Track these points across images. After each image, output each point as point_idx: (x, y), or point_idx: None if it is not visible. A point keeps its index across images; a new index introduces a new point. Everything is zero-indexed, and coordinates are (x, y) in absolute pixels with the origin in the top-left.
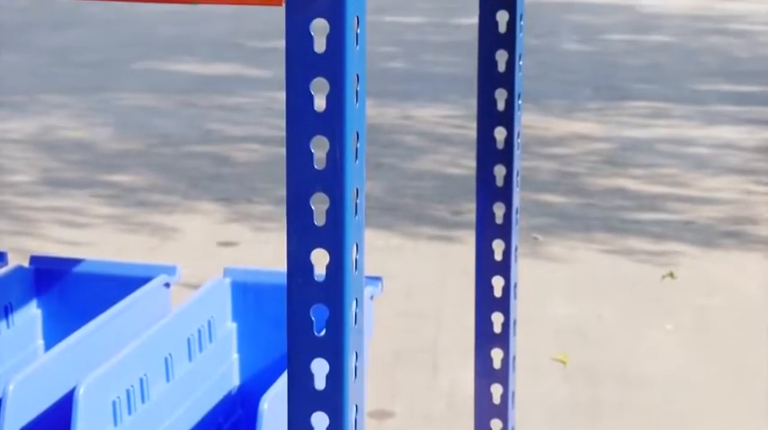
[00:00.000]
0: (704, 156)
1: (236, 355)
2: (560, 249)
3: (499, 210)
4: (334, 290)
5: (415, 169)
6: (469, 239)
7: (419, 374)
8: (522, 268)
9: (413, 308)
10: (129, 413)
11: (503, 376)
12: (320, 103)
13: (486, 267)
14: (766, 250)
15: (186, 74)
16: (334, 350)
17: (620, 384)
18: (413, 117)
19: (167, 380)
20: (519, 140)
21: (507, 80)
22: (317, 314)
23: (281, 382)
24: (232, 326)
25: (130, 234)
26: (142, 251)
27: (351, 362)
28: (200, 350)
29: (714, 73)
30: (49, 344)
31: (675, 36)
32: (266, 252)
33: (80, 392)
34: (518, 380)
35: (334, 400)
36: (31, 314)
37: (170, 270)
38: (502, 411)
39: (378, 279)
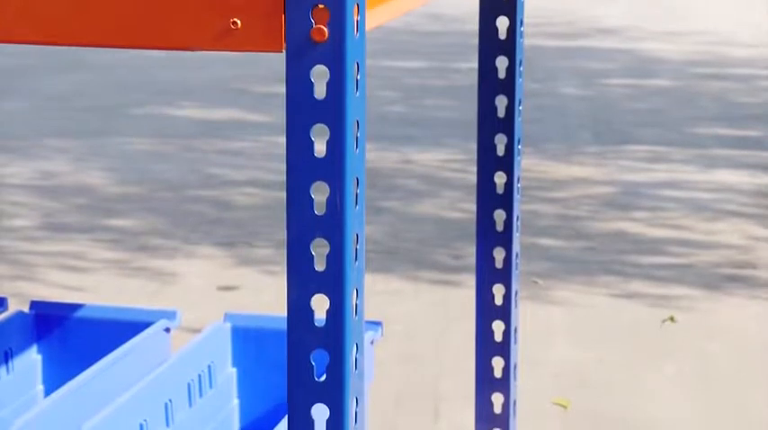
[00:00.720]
0: (705, 200)
1: (236, 401)
2: (561, 293)
3: (499, 254)
4: (334, 335)
5: (415, 213)
6: (470, 283)
7: (420, 419)
8: (523, 312)
9: (413, 352)
10: None
11: (503, 421)
12: (320, 149)
13: (487, 312)
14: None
15: (187, 118)
16: (335, 395)
17: (621, 429)
18: (413, 161)
19: (167, 425)
20: (519, 185)
21: (507, 125)
22: (318, 359)
23: (282, 428)
24: (232, 372)
25: (131, 278)
26: (142, 296)
27: (351, 407)
28: (201, 395)
29: (714, 117)
30: (49, 390)
31: (675, 80)
32: (267, 296)
33: None
34: (519, 424)
35: None
36: (32, 359)
37: (170, 315)
38: None
39: (378, 324)
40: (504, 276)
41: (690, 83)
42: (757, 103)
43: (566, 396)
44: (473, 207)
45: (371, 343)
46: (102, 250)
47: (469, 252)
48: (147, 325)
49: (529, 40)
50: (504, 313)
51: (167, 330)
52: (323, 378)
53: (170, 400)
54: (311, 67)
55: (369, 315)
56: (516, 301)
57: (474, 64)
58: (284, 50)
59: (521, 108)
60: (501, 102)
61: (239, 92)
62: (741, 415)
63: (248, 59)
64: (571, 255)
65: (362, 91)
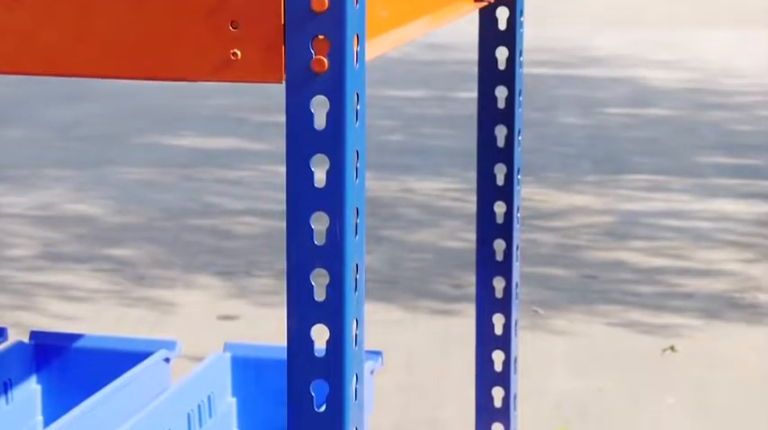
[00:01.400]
0: (704, 229)
1: None
2: (561, 322)
3: (499, 283)
4: (334, 365)
5: (415, 242)
6: (470, 312)
7: None
8: (523, 341)
9: (413, 381)
10: None
11: None
12: (320, 179)
13: (487, 341)
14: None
15: (187, 147)
16: (335, 426)
17: None
18: (413, 190)
19: None
20: (518, 215)
21: (506, 155)
22: (318, 389)
23: None
24: (232, 402)
25: (130, 308)
26: (142, 325)
27: None
28: (201, 425)
29: (713, 146)
30: (48, 420)
31: (674, 110)
32: (267, 326)
33: None
34: None
35: None
36: (31, 389)
37: (170, 345)
38: None
39: (378, 353)
40: (504, 306)
41: (688, 112)
42: (756, 131)
43: (566, 425)
44: (473, 236)
45: (371, 372)
46: (102, 280)
47: (469, 281)
48: (146, 355)
49: (528, 68)
50: (504, 343)
51: (167, 360)
52: (323, 408)
53: None
54: (311, 98)
55: (368, 344)
56: (516, 331)
57: (473, 93)
58: (284, 81)
59: (520, 138)
60: (500, 131)
61: (239, 121)
62: None
63: (248, 88)
64: (571, 284)
65: (362, 121)
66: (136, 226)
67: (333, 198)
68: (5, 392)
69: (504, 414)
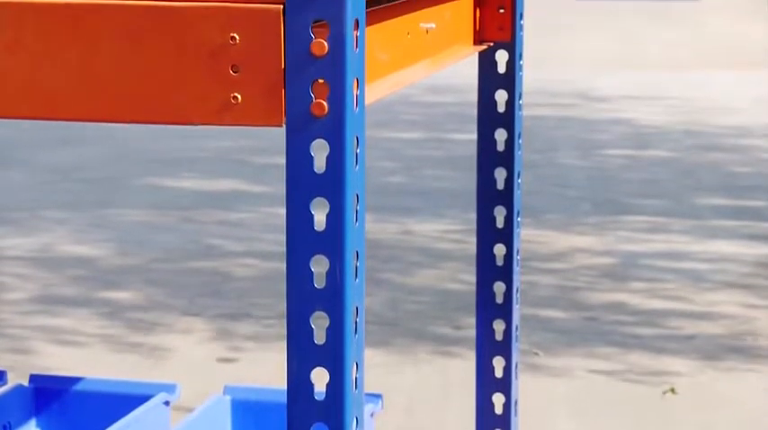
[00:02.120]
0: (704, 270)
1: None
2: (561, 365)
3: (499, 326)
4: (334, 409)
5: (415, 284)
6: (470, 355)
7: None
8: (523, 384)
9: (414, 425)
10: None
11: None
12: (320, 222)
13: (487, 384)
14: None
15: (187, 189)
16: None
17: None
18: (413, 232)
19: None
20: (518, 257)
21: (506, 197)
22: None
23: None
24: None
25: (129, 351)
26: (142, 368)
27: None
28: None
29: (713, 187)
30: None
31: (674, 151)
32: (267, 368)
33: None
34: None
35: None
36: None
37: (170, 388)
38: None
39: (378, 396)
40: (505, 348)
41: (688, 153)
42: (755, 173)
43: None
44: (473, 278)
45: (371, 415)
46: (101, 322)
47: (469, 323)
48: (146, 398)
49: (528, 110)
50: (505, 385)
51: (167, 403)
52: None
53: None
54: (311, 141)
55: (368, 387)
56: (516, 373)
57: (473, 134)
58: (284, 125)
59: (519, 181)
60: (500, 174)
61: (239, 163)
62: None
63: (249, 130)
64: (571, 326)
65: (362, 164)
66: (135, 268)
67: (333, 241)
68: None
69: None
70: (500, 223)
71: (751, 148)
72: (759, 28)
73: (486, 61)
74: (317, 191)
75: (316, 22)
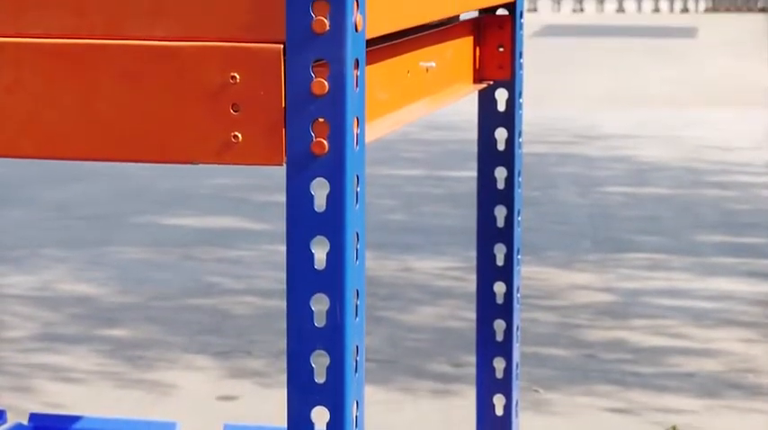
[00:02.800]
0: (704, 308)
1: None
2: (562, 402)
3: (500, 364)
4: None
5: (415, 322)
6: (471, 393)
7: None
8: (524, 422)
9: None
10: None
11: None
12: (320, 260)
13: (488, 422)
14: None
15: (186, 227)
16: None
17: None
18: (413, 269)
19: None
20: (518, 295)
21: (506, 235)
22: None
23: None
24: None
25: (129, 389)
26: (141, 406)
27: None
28: None
29: (712, 225)
30: None
31: (674, 188)
32: (267, 407)
33: None
34: None
35: None
36: None
37: (169, 426)
38: None
39: None
40: (505, 386)
41: (688, 190)
42: (755, 210)
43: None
44: (473, 315)
45: None
46: (100, 361)
47: (470, 361)
48: None
49: (527, 147)
50: (505, 423)
51: None
52: None
53: None
54: (311, 180)
55: (368, 426)
56: (517, 411)
57: (473, 172)
58: (285, 164)
59: (519, 218)
60: (500, 212)
61: (239, 200)
62: None
63: (249, 168)
64: (572, 363)
65: (362, 203)
66: (135, 306)
67: (333, 280)
68: None
69: None
70: (500, 261)
71: (750, 185)
72: (757, 65)
73: (486, 99)
74: (317, 229)
75: (316, 61)
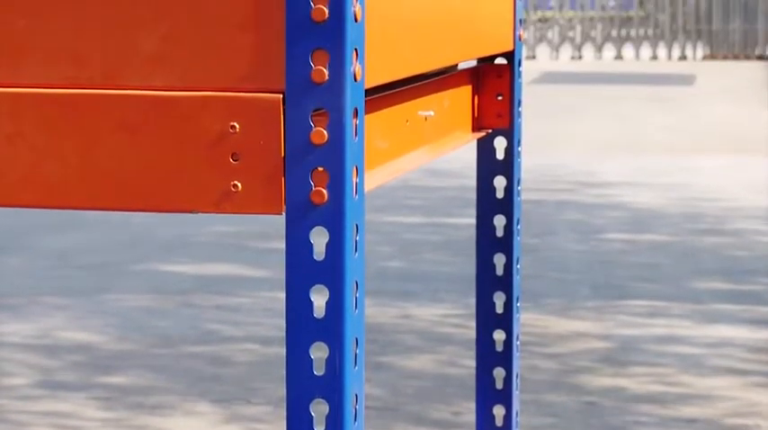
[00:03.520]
0: (704, 355)
1: None
2: None
3: (499, 411)
4: None
5: (414, 369)
6: None
7: None
8: None
9: None
10: None
11: None
12: (320, 308)
13: None
14: None
15: (186, 275)
16: None
17: None
18: (412, 316)
19: None
20: (518, 343)
21: (505, 283)
22: None
23: None
24: None
25: None
26: None
27: None
28: None
29: (712, 271)
30: None
31: (672, 235)
32: None
33: None
34: None
35: None
36: None
37: None
38: None
39: None
40: None
41: (686, 237)
42: (753, 256)
43: None
44: (472, 362)
45: None
46: (100, 408)
47: (469, 408)
48: None
49: (526, 194)
50: None
51: None
52: None
53: None
54: (311, 229)
55: None
56: None
57: (472, 218)
58: (284, 213)
59: (518, 266)
60: (499, 260)
61: (238, 247)
62: None
63: (248, 215)
64: (571, 410)
65: (361, 251)
66: (134, 353)
67: (332, 328)
68: None
69: None
70: (499, 308)
71: (749, 232)
72: (755, 113)
73: (485, 148)
74: (316, 278)
75: (315, 110)
